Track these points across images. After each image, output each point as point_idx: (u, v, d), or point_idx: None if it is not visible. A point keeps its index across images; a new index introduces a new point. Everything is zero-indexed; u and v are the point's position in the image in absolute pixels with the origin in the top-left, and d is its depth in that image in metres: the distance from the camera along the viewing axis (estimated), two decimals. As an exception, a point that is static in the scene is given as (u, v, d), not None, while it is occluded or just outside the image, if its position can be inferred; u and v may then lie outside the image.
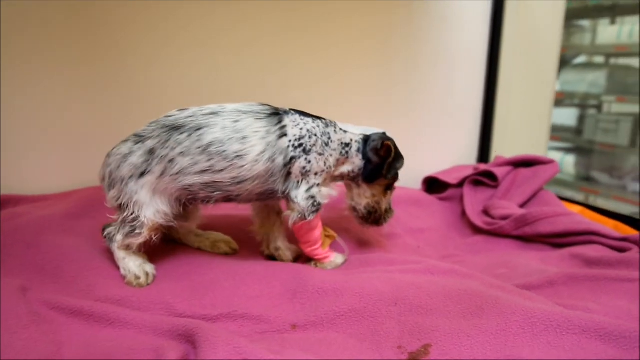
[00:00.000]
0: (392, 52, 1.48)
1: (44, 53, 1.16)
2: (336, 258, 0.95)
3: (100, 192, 1.13)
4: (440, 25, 1.51)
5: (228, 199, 0.86)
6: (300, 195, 0.85)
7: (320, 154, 0.86)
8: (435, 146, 1.59)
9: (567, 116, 3.10)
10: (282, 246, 0.96)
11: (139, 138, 0.82)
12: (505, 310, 0.71)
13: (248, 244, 0.99)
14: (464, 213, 1.25)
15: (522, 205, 1.23)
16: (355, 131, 0.92)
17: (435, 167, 1.53)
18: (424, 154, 1.57)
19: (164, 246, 0.93)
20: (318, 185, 0.87)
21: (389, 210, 0.99)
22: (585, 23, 2.99)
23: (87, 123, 1.23)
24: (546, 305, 0.74)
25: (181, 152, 0.80)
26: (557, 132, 3.03)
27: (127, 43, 1.23)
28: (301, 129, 0.84)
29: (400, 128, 1.52)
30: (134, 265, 0.84)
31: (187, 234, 0.98)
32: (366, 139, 0.91)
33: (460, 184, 1.33)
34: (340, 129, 0.90)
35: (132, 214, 0.82)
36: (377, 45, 1.46)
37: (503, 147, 1.65)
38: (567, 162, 3.06)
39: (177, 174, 0.81)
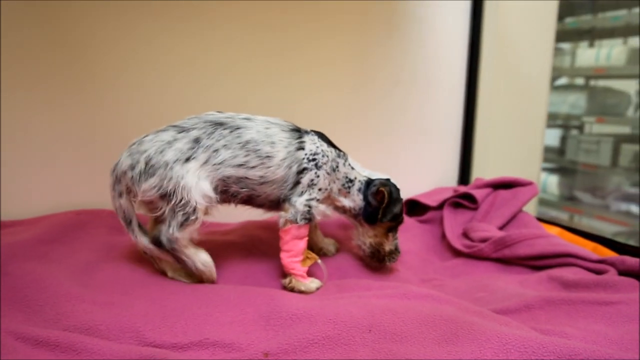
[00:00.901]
0: (371, 74, 1.49)
1: (13, 76, 1.15)
2: (312, 282, 0.95)
3: (74, 216, 1.12)
4: (419, 48, 1.53)
5: (249, 198, 0.94)
6: (299, 201, 0.92)
7: (328, 174, 0.94)
8: (416, 168, 1.60)
9: (550, 137, 3.14)
10: (324, 245, 1.09)
11: (182, 128, 0.87)
12: (480, 336, 0.70)
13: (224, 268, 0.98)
14: (444, 236, 1.25)
15: (501, 228, 1.23)
16: (361, 172, 0.98)
17: (415, 189, 1.53)
18: (404, 176, 1.54)
19: (135, 265, 0.92)
20: (318, 200, 0.94)
21: (394, 252, 1.02)
22: (566, 46, 3.05)
23: (61, 146, 1.21)
24: (522, 330, 0.73)
25: (224, 145, 0.87)
26: (539, 152, 3.07)
27: (104, 64, 1.22)
28: (317, 147, 0.93)
29: (380, 150, 1.53)
30: (207, 257, 0.90)
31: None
32: (369, 182, 0.97)
33: (440, 207, 1.33)
34: (349, 165, 0.98)
35: (181, 200, 0.84)
36: (356, 67, 1.47)
37: (485, 169, 1.67)
38: (551, 182, 3.08)
39: (219, 163, 0.87)
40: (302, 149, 0.92)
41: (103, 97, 1.23)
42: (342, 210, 1.00)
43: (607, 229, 2.71)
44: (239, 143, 0.88)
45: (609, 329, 0.80)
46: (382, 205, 0.96)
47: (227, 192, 0.91)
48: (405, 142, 1.58)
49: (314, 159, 0.92)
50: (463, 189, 1.38)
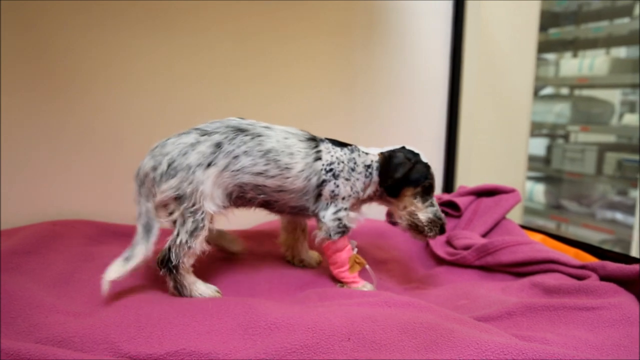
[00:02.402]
0: (353, 83, 1.50)
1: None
2: (364, 286, 0.98)
3: (50, 226, 1.10)
4: (402, 57, 1.53)
5: (267, 204, 0.95)
6: (327, 215, 0.94)
7: (347, 179, 0.94)
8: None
9: (537, 146, 3.17)
10: (306, 257, 1.09)
11: (204, 132, 0.88)
12: (459, 343, 0.70)
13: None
14: (427, 244, 1.24)
15: (484, 235, 1.23)
16: (375, 152, 0.98)
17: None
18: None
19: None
20: (346, 209, 0.95)
21: (433, 221, 0.97)
22: (550, 56, 3.09)
23: (36, 156, 1.20)
24: (501, 337, 0.73)
25: (245, 151, 0.88)
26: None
27: (82, 72, 1.21)
28: (332, 155, 0.94)
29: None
30: (205, 288, 0.90)
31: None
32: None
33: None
34: (363, 152, 0.98)
35: (193, 205, 0.85)
36: (338, 75, 1.48)
37: (469, 177, 1.67)
38: (537, 191, 3.10)
39: (237, 170, 0.88)
40: (320, 159, 0.93)
41: (80, 106, 1.22)
42: (370, 199, 1.00)
43: (593, 237, 2.73)
44: (260, 151, 0.89)
45: (590, 334, 0.80)
46: (380, 171, 0.95)
47: (243, 198, 0.93)
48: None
49: (330, 169, 0.93)
50: (447, 196, 1.38)
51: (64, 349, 0.72)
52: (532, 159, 3.14)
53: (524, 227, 1.31)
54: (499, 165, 1.78)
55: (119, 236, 1.17)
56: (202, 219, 0.86)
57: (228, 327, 0.77)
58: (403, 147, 0.99)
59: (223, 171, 0.87)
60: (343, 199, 0.94)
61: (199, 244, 0.87)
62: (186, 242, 0.86)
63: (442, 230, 0.98)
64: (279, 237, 1.10)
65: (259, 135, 0.90)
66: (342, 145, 0.97)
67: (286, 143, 0.91)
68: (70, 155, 1.22)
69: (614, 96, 2.95)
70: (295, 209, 0.96)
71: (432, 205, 0.98)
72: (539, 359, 0.66)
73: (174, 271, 0.86)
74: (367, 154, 0.98)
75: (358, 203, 0.98)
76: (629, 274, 0.93)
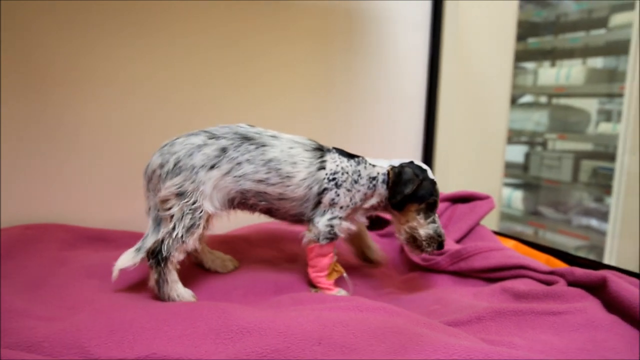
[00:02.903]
0: (331, 88, 1.51)
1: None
2: (339, 292, 0.99)
3: (23, 231, 1.09)
4: (379, 64, 1.55)
5: (269, 211, 0.99)
6: (322, 221, 0.96)
7: (348, 190, 0.96)
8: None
9: (516, 153, 3.22)
10: (375, 256, 1.14)
11: (212, 135, 0.92)
12: (427, 347, 0.71)
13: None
14: (403, 249, 1.26)
15: (458, 241, 1.25)
16: (384, 164, 1.00)
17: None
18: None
19: (86, 280, 0.90)
20: (340, 218, 0.97)
21: (432, 237, 0.98)
22: (530, 65, 3.15)
23: (9, 160, 1.19)
24: (468, 341, 0.74)
25: (248, 159, 0.92)
26: (506, 168, 3.14)
27: (50, 74, 1.21)
28: (337, 165, 0.96)
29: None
30: (184, 291, 0.92)
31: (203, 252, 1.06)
32: (388, 173, 0.99)
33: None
34: (370, 164, 0.99)
35: (194, 203, 0.89)
36: (317, 81, 1.49)
37: (446, 183, 1.69)
38: (516, 198, 3.15)
39: (240, 176, 0.92)
40: (324, 168, 0.96)
41: (54, 109, 1.21)
42: (374, 209, 1.02)
43: (569, 243, 2.78)
44: (262, 160, 0.92)
45: (556, 338, 0.82)
46: (389, 185, 0.97)
47: (245, 204, 0.97)
48: (366, 156, 1.59)
49: (333, 179, 0.95)
50: (423, 203, 1.40)
51: (33, 353, 0.71)
52: (511, 165, 3.19)
53: (497, 233, 1.33)
54: (476, 172, 1.80)
55: (94, 240, 1.17)
56: (200, 217, 0.90)
57: (200, 332, 0.78)
58: (411, 162, 1.00)
59: (225, 175, 0.91)
60: (341, 208, 0.97)
61: (193, 241, 0.91)
62: (182, 236, 0.89)
63: (440, 247, 0.99)
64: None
65: (264, 145, 0.94)
66: (350, 156, 1.00)
67: (290, 152, 0.94)
68: (45, 160, 1.21)
69: (590, 105, 3.01)
70: (295, 217, 0.99)
71: (433, 222, 0.99)
72: (504, 363, 0.68)
73: (162, 264, 0.89)
74: (374, 166, 0.99)
75: (353, 213, 1.00)
76: (595, 280, 0.95)
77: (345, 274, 1.03)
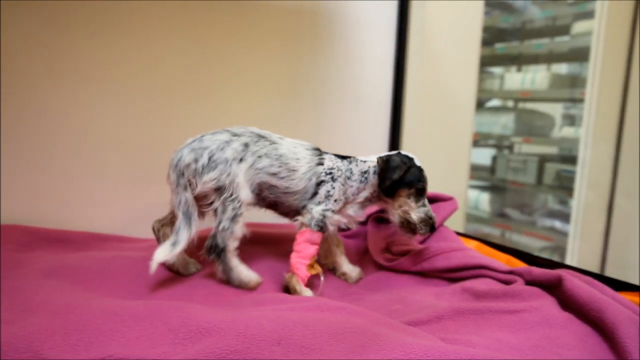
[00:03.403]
0: (297, 91, 1.51)
1: None
2: (306, 291, 1.02)
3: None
4: (346, 67, 1.56)
5: (274, 204, 1.07)
6: (316, 209, 1.04)
7: (342, 185, 1.05)
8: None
9: (483, 156, 3.27)
10: (347, 270, 1.16)
11: (233, 133, 1.01)
12: (385, 346, 0.72)
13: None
14: (367, 250, 1.27)
15: (422, 241, 1.26)
16: (374, 158, 1.08)
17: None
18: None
19: (42, 281, 0.88)
20: (332, 211, 1.05)
21: (425, 220, 1.05)
22: (498, 70, 3.21)
23: None
24: (426, 340, 0.75)
25: (265, 153, 1.02)
26: (472, 170, 3.19)
27: (20, 76, 1.18)
28: (333, 163, 1.06)
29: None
30: (251, 273, 1.01)
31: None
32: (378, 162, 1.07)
33: (365, 222, 1.35)
34: (361, 161, 1.08)
35: (231, 195, 0.97)
36: (284, 84, 1.49)
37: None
38: (483, 200, 3.20)
39: (259, 169, 1.01)
40: (322, 164, 1.05)
41: (13, 107, 1.18)
42: (369, 200, 1.09)
43: (534, 244, 2.84)
44: (276, 155, 1.02)
45: (512, 336, 0.84)
46: (378, 172, 1.04)
47: (259, 195, 1.04)
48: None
49: (330, 173, 1.05)
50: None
51: (-16, 357, 0.69)
52: (479, 168, 3.25)
53: (460, 234, 1.35)
54: (442, 174, 1.83)
55: (52, 242, 1.14)
56: (240, 207, 0.98)
57: (158, 332, 0.77)
58: (399, 152, 1.08)
59: (249, 168, 1.00)
60: (335, 201, 1.05)
61: (239, 228, 0.99)
62: (228, 227, 0.97)
63: (432, 228, 1.06)
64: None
65: (275, 143, 1.04)
66: (342, 157, 1.09)
67: (294, 150, 1.04)
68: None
69: (556, 110, 3.09)
70: (297, 212, 1.06)
71: (424, 205, 1.06)
72: (460, 360, 0.69)
73: (222, 254, 0.98)
74: (364, 162, 1.08)
75: (344, 208, 1.07)
76: (551, 278, 0.98)
77: (322, 276, 1.07)
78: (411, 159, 1.07)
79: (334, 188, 1.04)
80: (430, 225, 1.06)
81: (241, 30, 1.40)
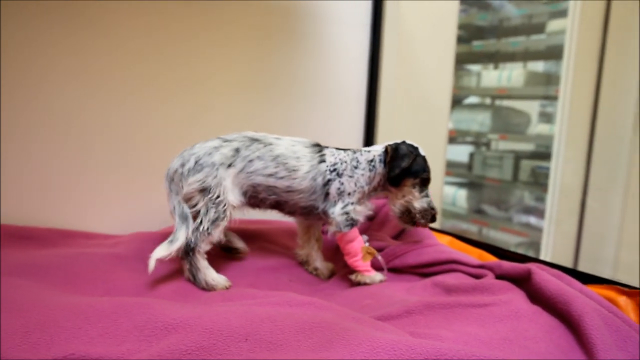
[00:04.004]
0: (271, 87, 1.50)
1: None
2: (376, 275, 1.08)
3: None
4: (320, 64, 1.56)
5: (278, 204, 1.07)
6: (336, 211, 1.05)
7: (350, 177, 1.05)
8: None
9: (461, 152, 3.30)
10: (320, 266, 1.16)
11: (225, 139, 1.03)
12: (352, 341, 0.71)
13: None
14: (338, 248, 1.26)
15: (395, 237, 1.27)
16: (379, 147, 1.09)
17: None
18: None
19: (4, 279, 0.86)
20: (352, 204, 1.05)
21: (426, 210, 1.07)
22: (475, 67, 3.23)
23: None
24: (393, 334, 0.75)
25: (258, 156, 1.02)
26: (450, 167, 3.22)
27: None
28: (335, 157, 1.06)
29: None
30: (218, 276, 1.00)
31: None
32: (386, 150, 1.07)
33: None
34: (365, 150, 1.09)
35: (217, 197, 0.98)
36: (257, 80, 1.48)
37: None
38: (460, 196, 3.23)
39: (251, 172, 1.02)
40: (324, 161, 1.05)
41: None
42: (375, 189, 1.09)
43: (510, 240, 2.87)
44: (271, 156, 1.02)
45: (481, 329, 0.85)
46: (387, 161, 1.04)
47: (256, 198, 1.05)
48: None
49: (334, 169, 1.05)
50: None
51: (-60, 357, 0.67)
52: (456, 165, 3.28)
53: (433, 229, 1.36)
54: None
55: (20, 239, 1.12)
56: (224, 211, 0.98)
57: (123, 329, 0.75)
58: (404, 141, 1.08)
59: (240, 173, 1.01)
60: (349, 194, 1.05)
61: (218, 233, 0.99)
62: (207, 229, 0.97)
63: (433, 219, 1.08)
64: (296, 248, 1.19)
65: (270, 144, 1.04)
66: (344, 150, 1.09)
67: (293, 149, 1.04)
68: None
69: (532, 107, 3.13)
70: (305, 209, 1.07)
71: (426, 196, 1.08)
72: (427, 354, 0.69)
73: (190, 254, 0.97)
74: (369, 151, 1.08)
75: (364, 197, 1.08)
76: (520, 272, 0.99)
77: (378, 256, 1.11)
78: (416, 148, 1.08)
79: (342, 184, 1.04)
80: (432, 216, 1.07)
81: (215, 28, 1.39)
